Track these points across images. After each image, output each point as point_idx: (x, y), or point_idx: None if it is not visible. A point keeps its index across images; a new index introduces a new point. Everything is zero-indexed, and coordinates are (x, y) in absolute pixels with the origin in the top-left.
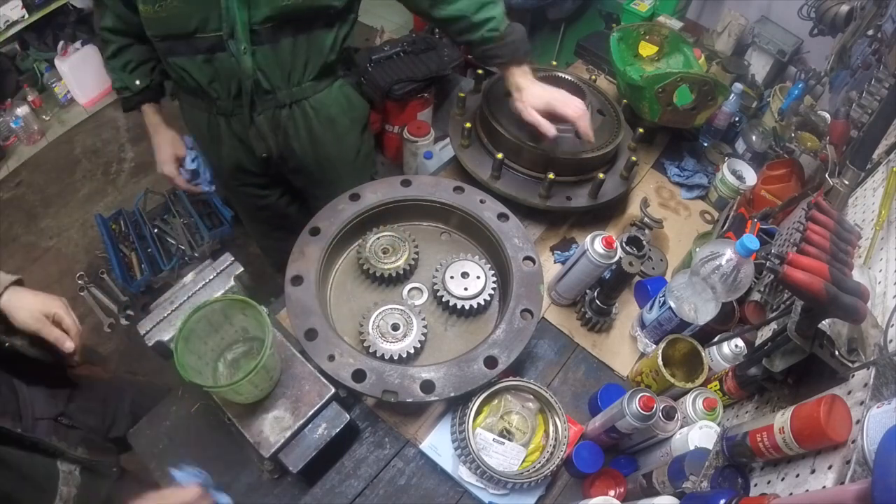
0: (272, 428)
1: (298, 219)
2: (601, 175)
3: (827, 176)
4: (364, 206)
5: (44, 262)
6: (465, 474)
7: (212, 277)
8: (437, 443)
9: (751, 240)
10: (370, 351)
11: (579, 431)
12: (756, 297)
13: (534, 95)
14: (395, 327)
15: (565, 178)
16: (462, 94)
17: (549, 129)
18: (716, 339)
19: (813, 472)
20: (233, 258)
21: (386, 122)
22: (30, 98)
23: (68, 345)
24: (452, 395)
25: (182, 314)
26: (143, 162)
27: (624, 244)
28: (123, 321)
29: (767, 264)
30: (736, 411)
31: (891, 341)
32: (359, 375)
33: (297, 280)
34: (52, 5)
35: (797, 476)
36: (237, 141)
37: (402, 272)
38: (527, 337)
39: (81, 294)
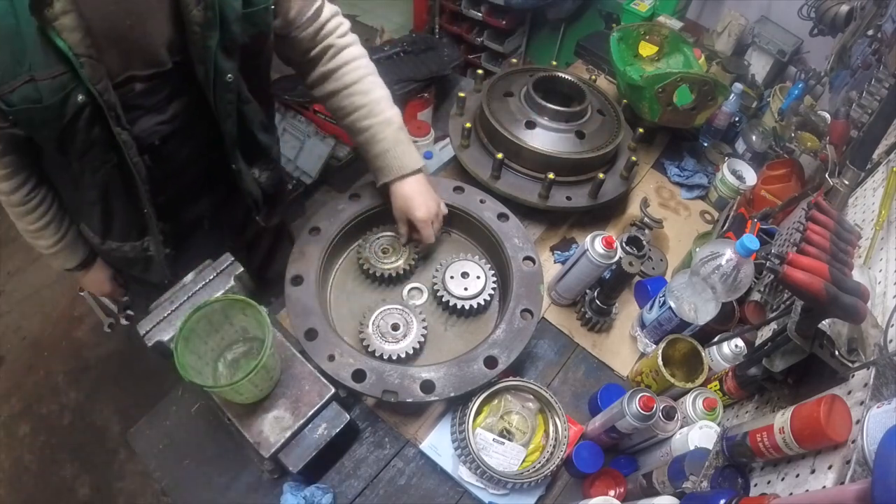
0: (272, 428)
1: None
2: (601, 175)
3: (827, 176)
4: (364, 206)
5: (44, 262)
6: (465, 474)
7: (212, 277)
8: (437, 443)
9: (751, 240)
10: (370, 351)
11: (579, 431)
12: (756, 297)
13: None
14: (395, 327)
15: (565, 178)
16: (462, 94)
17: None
18: (716, 339)
19: (813, 472)
20: (233, 258)
21: None
22: None
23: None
24: (452, 395)
25: (182, 314)
26: None
27: (624, 244)
28: (123, 321)
29: (767, 264)
30: (736, 411)
31: (891, 341)
32: (359, 375)
33: (297, 280)
34: None
35: (797, 476)
36: None
37: (402, 272)
38: (527, 337)
39: (81, 294)
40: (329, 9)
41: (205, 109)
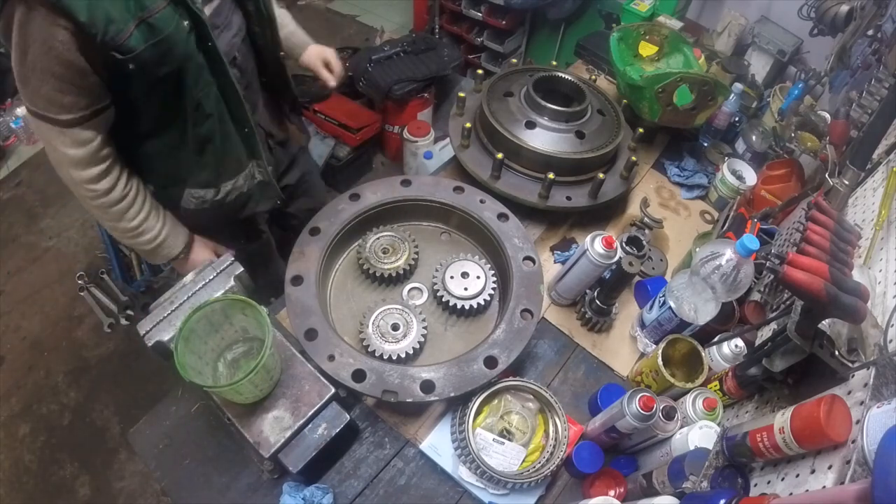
0: (272, 428)
1: None
2: (601, 175)
3: (827, 176)
4: (364, 206)
5: (44, 262)
6: (465, 474)
7: (212, 277)
8: (437, 443)
9: (751, 240)
10: (370, 351)
11: (579, 431)
12: (756, 297)
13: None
14: (395, 327)
15: (565, 178)
16: (462, 94)
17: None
18: (716, 339)
19: (813, 472)
20: (233, 258)
21: (386, 122)
22: None
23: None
24: (452, 395)
25: (182, 314)
26: None
27: (624, 244)
28: (123, 321)
29: (767, 264)
30: (736, 411)
31: (891, 341)
32: (359, 375)
33: (297, 280)
34: None
35: (797, 476)
36: None
37: (402, 272)
38: (527, 337)
39: (81, 294)
40: None
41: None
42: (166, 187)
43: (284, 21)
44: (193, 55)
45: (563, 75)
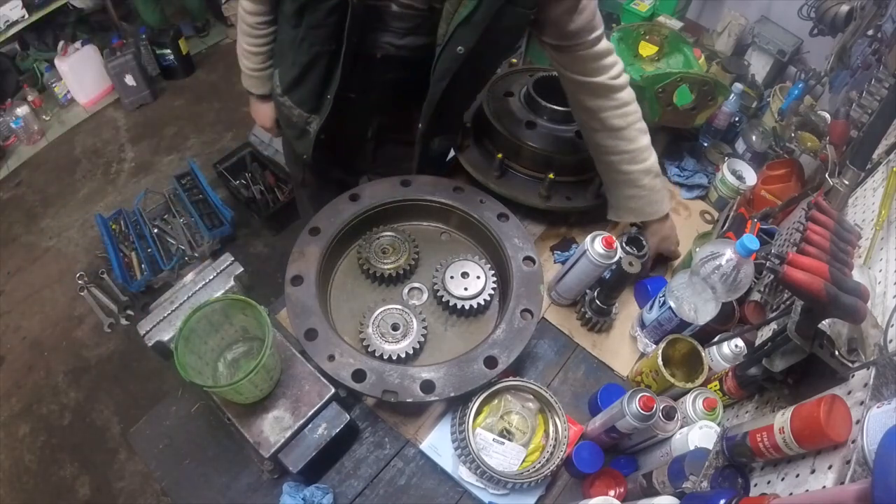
0: (272, 428)
1: None
2: None
3: (827, 176)
4: (364, 206)
5: (44, 262)
6: (465, 474)
7: (212, 277)
8: (437, 443)
9: (751, 240)
10: (370, 351)
11: (579, 431)
12: (756, 297)
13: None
14: (395, 327)
15: (565, 178)
16: None
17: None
18: (716, 339)
19: (813, 472)
20: (233, 258)
21: None
22: (30, 98)
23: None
24: (452, 395)
25: (182, 314)
26: (143, 162)
27: (624, 244)
28: (123, 321)
29: (767, 264)
30: (736, 411)
31: (891, 341)
32: (359, 375)
33: (297, 280)
34: (52, 5)
35: (797, 476)
36: None
37: (402, 272)
38: (527, 337)
39: (81, 294)
40: (605, 44)
41: (430, 64)
42: (277, 52)
43: (634, 176)
44: (320, 11)
45: None
